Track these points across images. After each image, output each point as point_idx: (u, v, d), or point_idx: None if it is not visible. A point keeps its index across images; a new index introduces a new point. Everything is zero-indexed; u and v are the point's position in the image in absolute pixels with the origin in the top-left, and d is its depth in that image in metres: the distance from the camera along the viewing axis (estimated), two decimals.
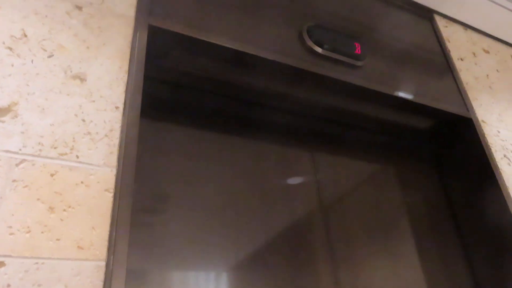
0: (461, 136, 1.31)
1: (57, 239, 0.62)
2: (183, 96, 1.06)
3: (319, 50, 1.09)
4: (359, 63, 1.15)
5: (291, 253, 0.99)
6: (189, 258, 0.88)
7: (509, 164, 1.26)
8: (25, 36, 0.74)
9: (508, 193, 1.17)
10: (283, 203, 1.06)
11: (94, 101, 0.74)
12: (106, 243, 0.65)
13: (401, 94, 1.18)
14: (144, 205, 0.88)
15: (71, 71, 0.75)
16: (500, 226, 1.15)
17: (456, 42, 1.48)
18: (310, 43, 1.09)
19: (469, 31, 1.56)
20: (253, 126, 1.13)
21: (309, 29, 1.10)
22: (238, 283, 0.89)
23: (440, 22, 1.49)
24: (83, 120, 0.72)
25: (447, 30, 1.49)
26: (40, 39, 0.75)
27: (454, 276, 1.19)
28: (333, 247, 1.05)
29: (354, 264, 1.06)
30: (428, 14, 1.50)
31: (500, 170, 1.21)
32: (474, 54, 1.50)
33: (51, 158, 0.67)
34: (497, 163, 1.22)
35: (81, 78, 0.75)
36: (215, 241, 0.92)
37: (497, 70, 1.52)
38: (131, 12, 0.87)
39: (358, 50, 1.14)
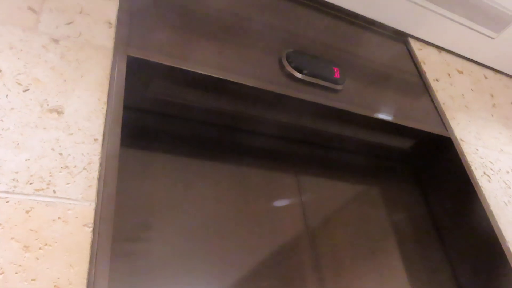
0: (441, 155, 1.33)
1: (32, 280, 0.60)
2: (164, 125, 1.05)
3: (298, 75, 1.11)
4: (338, 87, 1.17)
5: (279, 277, 0.98)
6: (174, 285, 0.85)
7: (489, 181, 1.28)
8: (0, 71, 0.73)
9: (490, 209, 1.19)
10: (269, 226, 1.05)
11: (72, 134, 0.73)
12: (85, 281, 0.63)
13: (381, 116, 1.20)
14: (126, 235, 0.86)
15: (47, 105, 0.74)
16: (483, 240, 1.17)
17: (431, 63, 1.52)
18: (289, 68, 1.10)
19: (443, 53, 1.62)
20: (236, 151, 1.13)
21: (288, 55, 1.12)
22: None
23: (415, 45, 1.54)
24: (61, 154, 0.71)
25: (421, 53, 1.53)
26: (15, 74, 0.74)
27: None
28: (321, 268, 1.04)
29: (342, 285, 1.04)
30: (402, 38, 1.55)
31: (481, 187, 1.23)
32: (449, 74, 1.54)
33: (26, 194, 0.65)
34: (478, 180, 1.24)
35: (58, 111, 0.74)
36: (200, 268, 0.90)
37: (471, 90, 1.57)
38: (109, 43, 0.87)
39: (337, 75, 1.17)
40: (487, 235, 1.16)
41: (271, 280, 0.96)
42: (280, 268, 0.99)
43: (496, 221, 1.17)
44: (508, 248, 1.12)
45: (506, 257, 1.10)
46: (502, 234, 1.14)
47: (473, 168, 1.27)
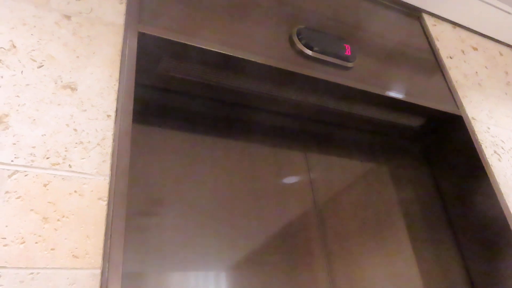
0: (452, 133, 1.33)
1: (52, 249, 0.63)
2: (175, 101, 1.06)
3: (309, 52, 1.10)
4: (349, 64, 1.16)
5: (287, 252, 1.00)
6: (185, 260, 0.88)
7: (499, 160, 1.27)
8: (14, 47, 0.74)
9: (499, 188, 1.19)
10: (278, 203, 1.07)
11: (85, 110, 0.75)
12: (101, 252, 0.66)
13: (392, 94, 1.19)
14: (139, 209, 0.89)
15: (61, 81, 0.75)
16: (491, 220, 1.17)
17: (445, 40, 1.49)
18: (300, 45, 1.09)
19: (458, 29, 1.58)
20: (246, 129, 1.14)
21: (299, 32, 1.11)
22: (235, 283, 0.90)
23: (429, 21, 1.51)
24: (75, 130, 0.72)
25: (435, 29, 1.50)
26: (29, 50, 0.75)
27: (447, 269, 1.21)
28: (328, 245, 1.06)
29: (349, 261, 1.07)
30: (416, 13, 1.51)
31: (491, 166, 1.23)
32: (463, 51, 1.51)
33: (44, 168, 0.67)
34: (488, 159, 1.24)
35: (72, 88, 0.76)
36: (211, 242, 0.92)
37: (485, 67, 1.54)
38: (120, 20, 0.87)
39: (348, 52, 1.16)
40: (495, 214, 1.16)
41: (280, 254, 0.99)
42: (288, 243, 1.01)
43: (505, 200, 1.17)
44: None
45: None
46: (510, 213, 1.15)
47: (483, 146, 1.26)
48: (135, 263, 0.84)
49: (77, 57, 0.79)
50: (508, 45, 1.71)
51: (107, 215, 0.69)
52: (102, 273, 0.64)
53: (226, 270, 0.91)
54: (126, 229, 0.69)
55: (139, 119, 0.94)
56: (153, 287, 0.84)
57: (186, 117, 1.06)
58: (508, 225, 1.12)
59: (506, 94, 1.51)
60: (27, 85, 0.72)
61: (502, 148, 1.32)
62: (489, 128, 1.34)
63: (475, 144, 1.24)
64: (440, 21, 1.55)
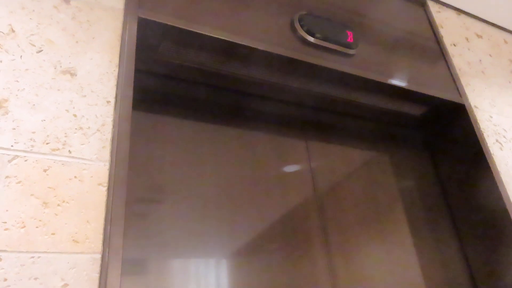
0: (454, 122, 1.32)
1: (52, 234, 0.63)
2: (175, 88, 1.06)
3: (311, 39, 1.09)
4: (351, 52, 1.14)
5: (287, 240, 1.00)
6: (185, 247, 0.89)
7: (501, 149, 1.27)
8: (13, 31, 0.74)
9: (500, 178, 1.19)
10: (278, 191, 1.07)
11: (85, 96, 0.75)
12: (101, 236, 0.66)
13: (394, 82, 1.18)
14: (140, 196, 0.89)
15: (60, 66, 0.75)
16: (492, 209, 1.17)
17: (449, 27, 1.47)
18: (302, 32, 1.08)
19: (462, 16, 1.56)
20: (247, 116, 1.14)
21: (301, 18, 1.10)
22: (235, 270, 0.91)
23: (433, 8, 1.48)
24: (75, 115, 0.72)
25: (440, 16, 1.48)
26: (28, 34, 0.75)
27: (446, 258, 1.21)
28: (328, 233, 1.07)
29: (348, 250, 1.07)
30: (421, 0, 1.49)
31: (492, 155, 1.22)
32: (467, 39, 1.50)
33: (44, 153, 0.67)
34: (489, 148, 1.23)
35: (71, 73, 0.75)
36: (211, 229, 0.93)
37: (490, 55, 1.52)
38: (120, 4, 0.87)
39: (350, 38, 1.14)
40: (496, 203, 1.16)
41: (279, 242, 0.99)
42: (288, 231, 1.02)
43: (505, 189, 1.17)
44: None
45: None
46: (511, 202, 1.15)
47: (485, 135, 1.25)
48: (136, 248, 0.84)
49: (77, 42, 0.78)
50: None
51: (107, 200, 0.69)
52: (102, 258, 0.65)
53: (226, 257, 0.92)
54: (126, 215, 0.69)
55: (139, 105, 0.94)
56: (154, 273, 0.84)
57: (186, 104, 1.06)
58: (508, 214, 1.12)
59: (510, 82, 1.50)
60: (27, 70, 0.72)
61: (504, 137, 1.31)
62: (491, 117, 1.33)
63: (477, 133, 1.24)
64: (444, 7, 1.53)
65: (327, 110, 1.28)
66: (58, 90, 0.73)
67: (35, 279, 0.60)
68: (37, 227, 0.63)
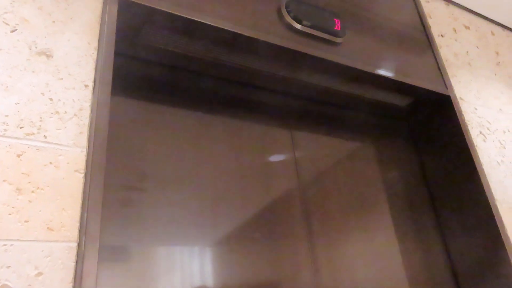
0: (439, 113, 1.32)
1: (26, 221, 0.61)
2: (156, 73, 1.03)
3: (298, 26, 1.07)
4: (338, 40, 1.13)
5: (270, 229, 1.00)
6: (167, 234, 0.88)
7: (484, 141, 1.28)
8: None
9: (482, 169, 1.20)
10: (262, 180, 1.06)
11: (62, 79, 0.72)
12: (77, 224, 0.65)
13: (381, 72, 1.17)
14: (121, 183, 0.87)
15: (36, 47, 0.72)
16: (474, 201, 1.19)
17: (437, 18, 1.47)
18: (288, 19, 1.06)
19: (451, 6, 1.55)
20: (231, 104, 1.12)
21: (288, 4, 1.08)
22: (217, 259, 0.90)
23: None
24: (51, 99, 0.70)
25: (428, 6, 1.47)
26: (1, 12, 0.71)
27: (428, 249, 1.23)
28: (311, 223, 1.07)
29: (331, 240, 1.08)
30: None
31: (476, 147, 1.23)
32: (454, 30, 1.49)
33: (17, 138, 0.65)
34: (473, 139, 1.24)
35: (47, 55, 0.72)
36: (193, 218, 0.92)
37: (477, 47, 1.53)
38: None
39: (337, 27, 1.13)
40: (477, 194, 1.17)
41: (263, 231, 0.99)
42: (271, 221, 1.02)
43: (487, 180, 1.18)
44: (496, 206, 1.14)
45: (494, 216, 1.12)
46: (491, 193, 1.16)
47: (469, 127, 1.26)
48: (116, 236, 0.83)
49: (53, 22, 0.75)
50: (500, 25, 1.69)
51: (84, 187, 0.67)
52: (79, 246, 0.63)
53: (209, 245, 0.91)
54: (106, 202, 0.68)
55: (119, 90, 0.91)
56: (135, 261, 0.83)
57: (168, 91, 1.04)
58: (489, 206, 1.14)
59: (495, 74, 1.51)
60: (0, 50, 0.69)
61: (488, 129, 1.32)
62: (476, 109, 1.34)
63: (461, 124, 1.24)
64: None
65: (312, 99, 1.26)
66: (33, 72, 0.70)
67: (8, 267, 0.58)
68: (9, 214, 0.61)
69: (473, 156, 1.20)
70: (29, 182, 0.64)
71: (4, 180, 0.62)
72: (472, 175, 1.20)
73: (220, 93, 1.11)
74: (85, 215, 0.65)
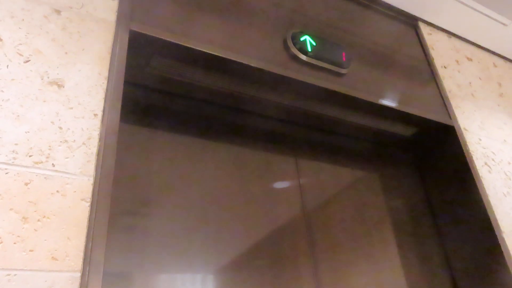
0: (443, 144, 1.33)
1: (31, 250, 0.61)
2: (165, 102, 1.05)
3: (303, 57, 1.09)
4: (343, 71, 1.15)
5: (274, 257, 0.99)
6: (171, 261, 0.87)
7: (489, 172, 1.27)
8: (1, 40, 0.72)
9: (488, 200, 1.19)
10: (267, 207, 1.06)
11: (72, 108, 0.73)
12: (81, 254, 0.64)
13: (385, 102, 1.19)
14: (125, 209, 0.87)
15: (48, 77, 0.73)
16: (478, 230, 1.17)
17: (440, 49, 1.49)
18: (294, 50, 1.09)
19: (453, 39, 1.58)
20: (237, 132, 1.13)
21: (294, 36, 1.10)
22: (220, 286, 0.89)
23: (425, 30, 1.51)
24: (60, 128, 0.71)
25: (431, 38, 1.50)
26: (16, 44, 0.73)
27: (434, 280, 1.20)
28: (315, 251, 1.05)
29: (336, 269, 1.06)
30: (412, 22, 1.51)
31: (481, 178, 1.23)
32: (457, 61, 1.52)
33: (26, 166, 0.66)
34: (478, 170, 1.24)
35: (59, 84, 0.74)
36: (197, 245, 0.91)
37: (479, 78, 1.54)
38: (111, 16, 0.86)
39: (342, 58, 1.15)
40: (483, 225, 1.16)
41: (267, 259, 0.98)
42: (275, 248, 1.00)
43: (494, 212, 1.17)
44: (503, 239, 1.13)
45: (501, 248, 1.11)
46: (498, 225, 1.15)
47: (474, 158, 1.26)
48: (119, 264, 0.82)
49: (66, 53, 0.77)
50: (502, 57, 1.71)
51: (90, 216, 0.67)
52: (82, 277, 0.63)
53: (212, 273, 0.90)
54: (110, 230, 0.67)
55: (127, 118, 0.92)
56: (137, 287, 0.82)
57: (175, 118, 1.05)
58: (496, 237, 1.12)
59: (498, 105, 1.52)
60: (13, 80, 0.70)
61: (493, 160, 1.32)
62: (480, 140, 1.34)
63: (466, 155, 1.24)
64: (436, 30, 1.55)
65: (317, 128, 1.27)
66: (44, 101, 0.71)
67: None
68: (15, 243, 0.61)
69: (479, 188, 1.19)
70: (35, 211, 0.64)
71: (10, 209, 0.62)
72: (478, 207, 1.18)
73: (226, 121, 1.12)
74: (90, 244, 0.65)
